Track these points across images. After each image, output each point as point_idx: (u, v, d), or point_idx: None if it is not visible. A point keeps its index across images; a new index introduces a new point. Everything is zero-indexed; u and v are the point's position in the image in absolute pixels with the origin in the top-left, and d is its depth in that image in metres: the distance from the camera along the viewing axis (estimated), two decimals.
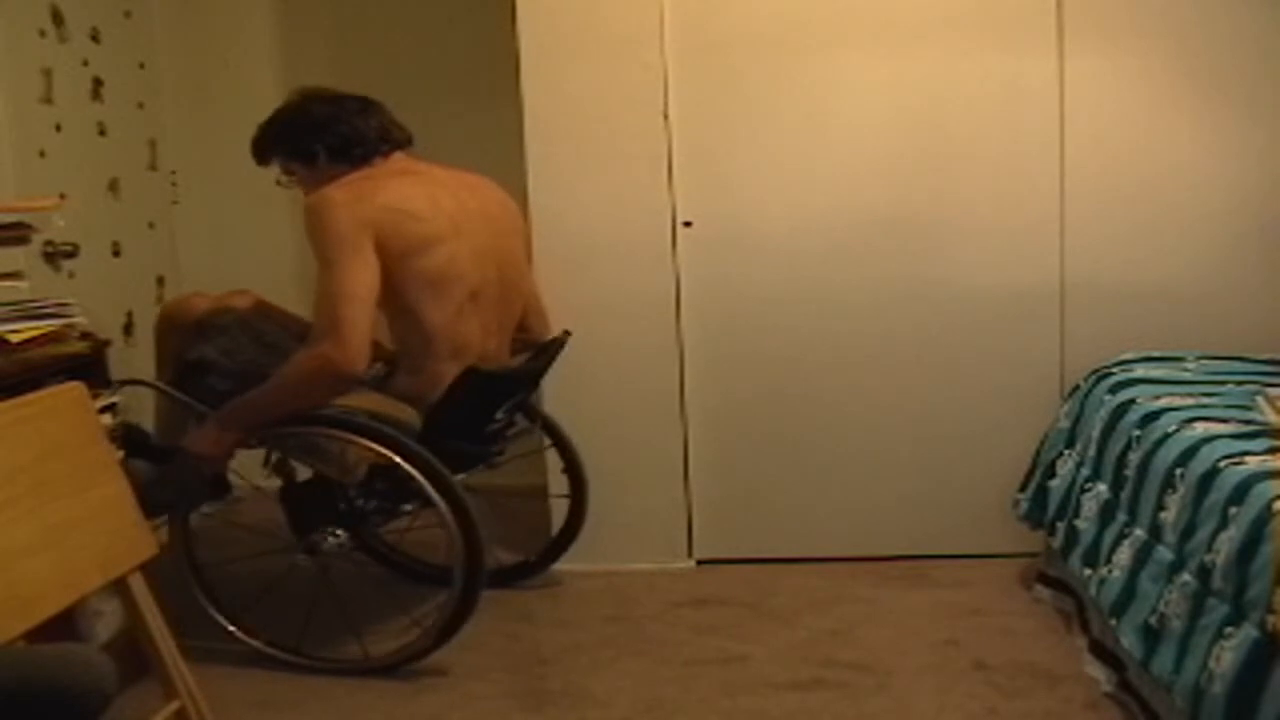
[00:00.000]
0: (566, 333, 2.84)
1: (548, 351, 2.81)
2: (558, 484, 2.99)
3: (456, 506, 2.38)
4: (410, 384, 2.53)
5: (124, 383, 2.69)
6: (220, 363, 2.55)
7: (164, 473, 2.53)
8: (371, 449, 2.40)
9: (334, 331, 2.33)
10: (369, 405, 2.48)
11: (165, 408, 2.71)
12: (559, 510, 3.00)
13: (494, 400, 2.64)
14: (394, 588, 2.97)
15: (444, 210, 2.50)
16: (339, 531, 2.54)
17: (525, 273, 2.80)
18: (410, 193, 2.48)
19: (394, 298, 2.45)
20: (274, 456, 2.64)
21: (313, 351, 2.35)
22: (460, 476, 2.59)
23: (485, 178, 2.73)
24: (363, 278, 2.36)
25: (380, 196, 2.43)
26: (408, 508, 2.62)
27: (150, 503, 2.57)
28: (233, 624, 2.57)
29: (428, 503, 2.42)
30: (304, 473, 2.65)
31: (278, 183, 2.69)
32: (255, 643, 2.56)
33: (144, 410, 3.11)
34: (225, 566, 2.65)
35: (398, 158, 2.62)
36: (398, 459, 2.38)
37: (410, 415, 2.49)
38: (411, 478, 2.39)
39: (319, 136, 2.57)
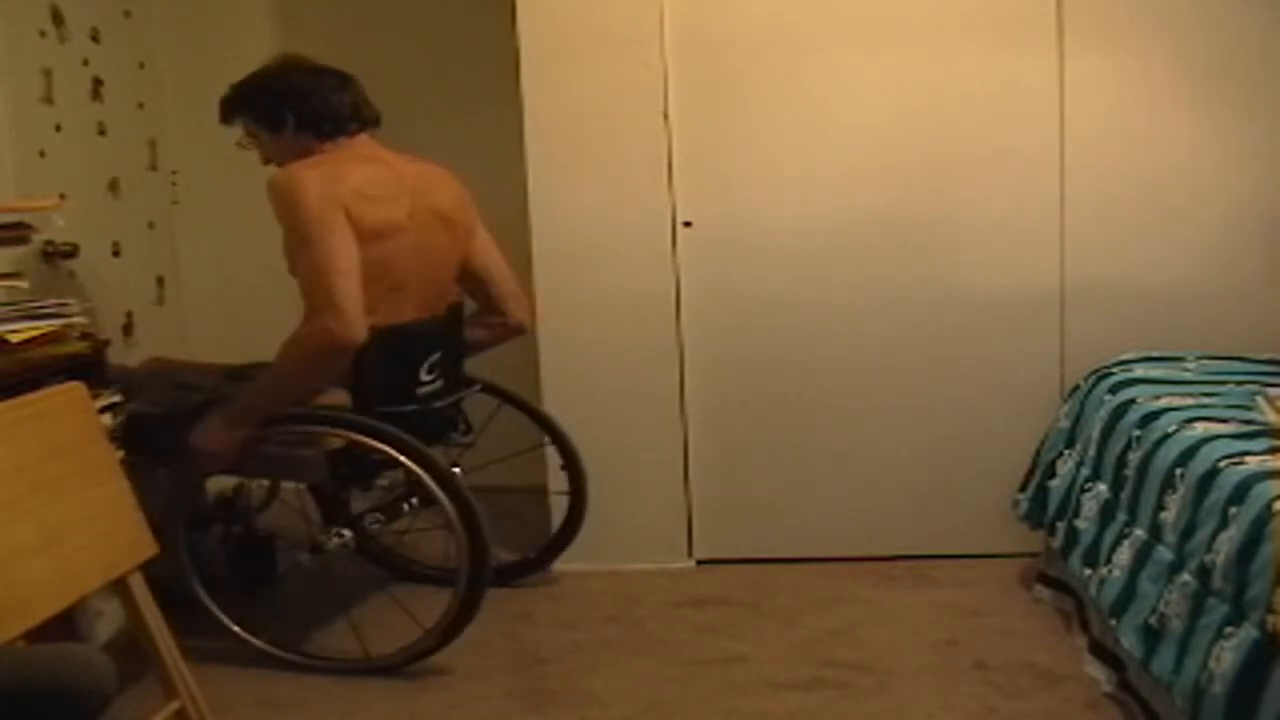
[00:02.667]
0: (459, 299, 2.80)
1: (451, 311, 2.75)
2: (558, 481, 2.98)
3: (461, 504, 2.38)
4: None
5: None
6: (149, 412, 2.54)
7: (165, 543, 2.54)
8: (325, 437, 2.40)
9: (329, 305, 2.33)
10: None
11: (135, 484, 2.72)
12: (559, 508, 2.99)
13: (408, 356, 2.58)
14: (393, 588, 2.97)
15: (398, 202, 2.51)
16: (344, 531, 2.52)
17: (453, 266, 2.75)
18: (373, 179, 2.48)
19: None
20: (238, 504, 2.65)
21: (311, 327, 2.36)
22: (457, 471, 2.58)
23: (445, 170, 2.72)
24: (347, 252, 2.37)
25: (348, 180, 2.43)
26: (408, 505, 2.60)
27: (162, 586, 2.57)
28: (236, 624, 2.57)
29: (429, 501, 2.41)
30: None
31: (238, 144, 2.67)
32: (257, 642, 2.55)
33: None
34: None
35: (363, 140, 2.61)
36: (402, 458, 2.38)
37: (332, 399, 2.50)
38: (373, 452, 2.38)
39: (292, 105, 2.55)
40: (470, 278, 2.80)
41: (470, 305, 2.86)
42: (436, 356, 2.66)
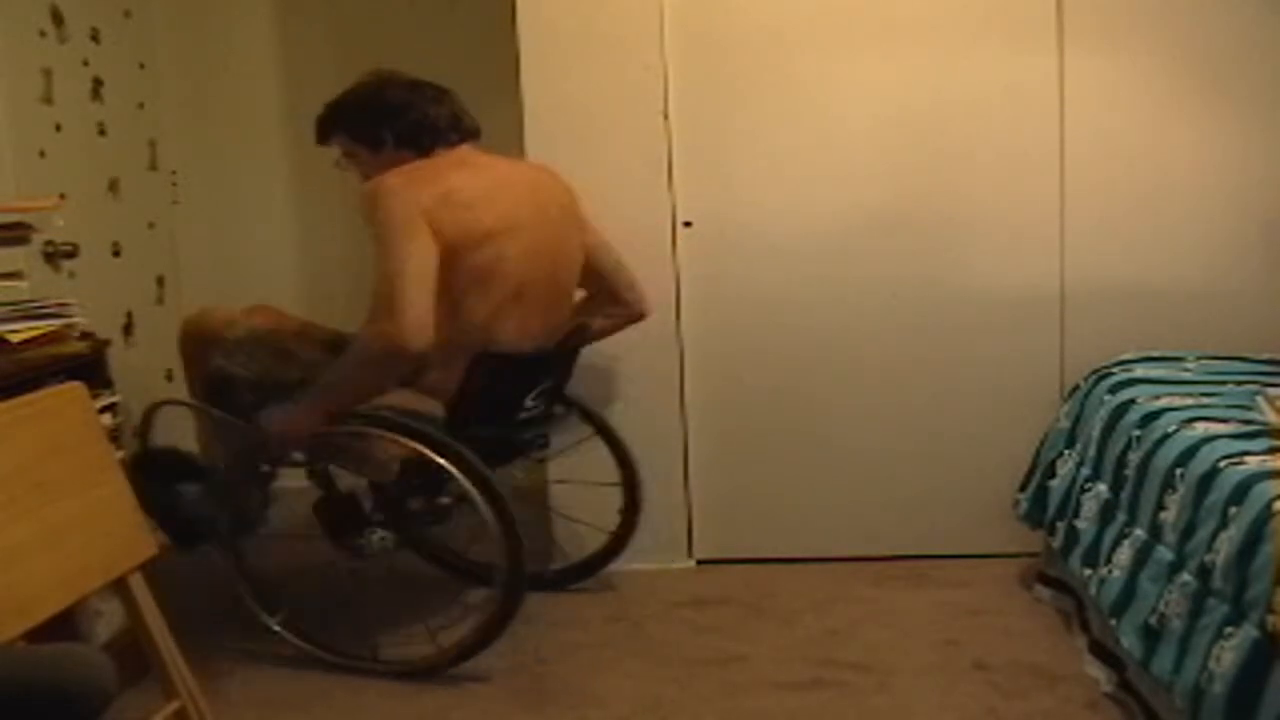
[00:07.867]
0: (583, 322, 2.78)
1: (568, 339, 2.72)
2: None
3: (494, 500, 2.35)
4: (442, 378, 2.47)
5: (162, 403, 2.68)
6: (239, 375, 2.53)
7: (213, 487, 2.53)
8: (404, 444, 2.38)
9: (389, 309, 2.30)
10: (397, 402, 2.46)
11: (203, 428, 2.70)
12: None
13: (517, 385, 2.56)
14: (433, 587, 2.94)
15: (498, 205, 2.47)
16: (383, 532, 2.50)
17: (579, 266, 2.73)
18: (466, 185, 2.44)
19: (441, 290, 2.39)
20: (316, 466, 2.62)
21: (371, 330, 2.34)
22: (519, 474, 2.56)
23: (550, 170, 2.72)
24: (419, 259, 2.33)
25: (436, 186, 2.40)
26: (445, 500, 2.56)
27: (199, 522, 2.53)
28: (281, 626, 2.56)
29: (463, 498, 2.38)
30: (341, 484, 2.65)
31: (336, 164, 2.64)
32: (308, 646, 2.54)
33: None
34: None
35: (463, 150, 2.58)
36: (428, 452, 2.36)
37: (436, 408, 2.46)
38: (444, 472, 2.36)
39: (389, 123, 2.52)
40: (586, 271, 2.76)
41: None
42: (545, 385, 2.64)
